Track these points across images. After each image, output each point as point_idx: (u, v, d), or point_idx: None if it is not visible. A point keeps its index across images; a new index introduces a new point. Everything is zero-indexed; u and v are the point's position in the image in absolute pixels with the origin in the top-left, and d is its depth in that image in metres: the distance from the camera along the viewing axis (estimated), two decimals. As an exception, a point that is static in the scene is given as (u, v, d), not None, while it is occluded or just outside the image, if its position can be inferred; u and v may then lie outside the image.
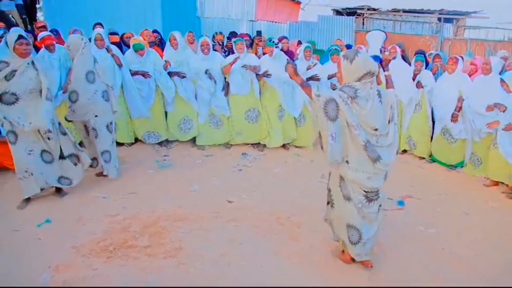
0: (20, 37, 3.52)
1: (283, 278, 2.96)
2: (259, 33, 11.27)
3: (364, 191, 2.78)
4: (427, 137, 5.73)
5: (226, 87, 5.74)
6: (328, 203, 3.11)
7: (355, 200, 2.79)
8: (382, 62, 5.26)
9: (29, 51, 3.57)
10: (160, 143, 5.87)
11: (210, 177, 4.85)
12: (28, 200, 3.94)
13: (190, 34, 6.27)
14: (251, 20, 14.87)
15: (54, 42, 5.14)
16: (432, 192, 4.74)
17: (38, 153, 3.83)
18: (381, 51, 6.28)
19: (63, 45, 5.32)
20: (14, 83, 3.53)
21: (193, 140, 5.97)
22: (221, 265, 3.08)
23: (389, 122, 2.73)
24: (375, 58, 4.56)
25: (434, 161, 5.74)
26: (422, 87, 5.58)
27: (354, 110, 2.60)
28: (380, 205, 2.89)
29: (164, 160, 5.41)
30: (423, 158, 5.85)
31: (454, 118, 5.21)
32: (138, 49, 5.41)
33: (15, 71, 3.52)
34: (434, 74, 5.64)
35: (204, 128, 5.84)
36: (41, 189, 3.94)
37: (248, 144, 6.02)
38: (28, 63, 3.59)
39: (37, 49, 5.33)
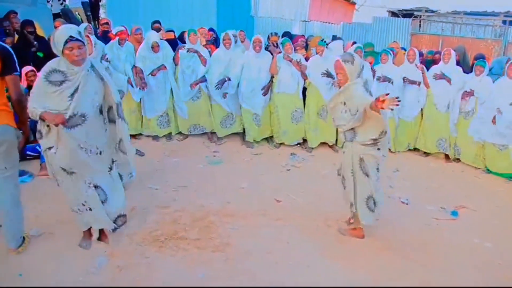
0: (71, 39, 2.60)
1: (330, 280, 2.95)
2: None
3: (377, 166, 3.30)
4: (477, 145, 5.50)
5: (267, 87, 5.75)
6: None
7: (373, 175, 3.28)
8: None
9: (82, 57, 2.66)
10: (209, 138, 6.01)
11: (258, 175, 4.90)
12: (89, 234, 3.22)
13: (241, 33, 6.37)
14: (304, 21, 14.81)
15: (126, 37, 5.49)
16: (489, 204, 4.52)
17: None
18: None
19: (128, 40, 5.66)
20: (79, 99, 2.71)
21: (242, 137, 6.05)
22: (268, 263, 3.11)
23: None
24: None
25: (490, 172, 5.46)
26: (472, 95, 5.39)
27: None
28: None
29: (214, 156, 5.52)
30: (479, 168, 5.59)
31: None
32: (191, 32, 5.62)
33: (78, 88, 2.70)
34: None
35: (249, 126, 5.91)
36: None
37: (297, 144, 6.02)
38: (88, 70, 2.75)
39: (106, 40, 5.68)
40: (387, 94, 2.74)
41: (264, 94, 5.73)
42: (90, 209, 3.01)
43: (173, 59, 5.74)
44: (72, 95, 2.71)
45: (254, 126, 5.89)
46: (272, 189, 4.49)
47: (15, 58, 2.85)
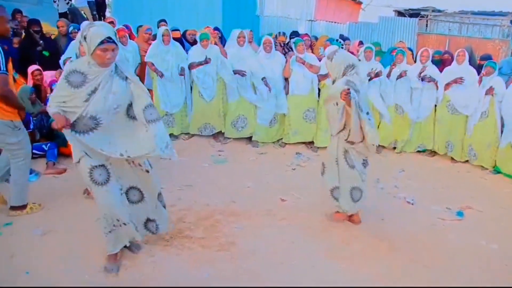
0: (108, 40, 2.44)
1: (334, 280, 2.94)
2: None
3: (363, 159, 3.43)
4: (492, 147, 5.42)
5: (287, 86, 5.77)
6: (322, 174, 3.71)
7: (358, 167, 3.41)
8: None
9: (113, 60, 2.54)
10: (215, 138, 6.01)
11: (264, 174, 4.90)
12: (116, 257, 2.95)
13: (250, 33, 6.37)
14: (310, 20, 14.77)
15: (127, 34, 5.45)
16: (495, 205, 4.49)
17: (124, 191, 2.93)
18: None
19: (134, 39, 5.64)
20: (93, 102, 2.54)
21: (248, 137, 6.05)
22: (273, 263, 3.11)
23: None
24: None
25: (498, 173, 5.42)
26: (493, 94, 5.29)
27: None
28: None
29: (219, 155, 5.52)
30: (486, 168, 5.55)
31: None
32: (203, 38, 5.63)
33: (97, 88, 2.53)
34: None
35: (259, 127, 5.89)
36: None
37: (302, 143, 6.01)
38: (112, 71, 2.58)
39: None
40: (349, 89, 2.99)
41: (287, 92, 5.77)
42: (124, 224, 2.83)
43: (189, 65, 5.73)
44: (89, 96, 2.54)
45: (267, 127, 5.88)
46: (277, 188, 4.49)
47: (3, 59, 3.08)
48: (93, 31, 2.44)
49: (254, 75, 5.65)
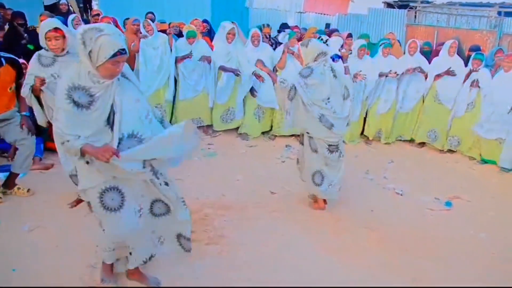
0: (121, 52, 2.05)
1: (325, 272, 2.95)
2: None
3: (328, 145, 3.56)
4: (478, 138, 5.47)
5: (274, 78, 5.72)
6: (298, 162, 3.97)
7: (320, 151, 3.59)
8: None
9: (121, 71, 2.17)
10: (204, 131, 5.97)
11: (253, 167, 4.89)
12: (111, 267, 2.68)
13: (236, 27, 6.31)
14: (299, 12, 14.72)
15: (111, 21, 5.42)
16: (483, 195, 4.54)
17: (148, 207, 2.52)
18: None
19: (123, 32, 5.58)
20: (120, 119, 2.15)
21: (238, 130, 6.03)
22: (263, 255, 3.11)
23: (344, 99, 3.56)
24: (336, 56, 5.30)
25: (485, 163, 5.47)
26: (479, 86, 5.33)
27: (308, 93, 3.42)
28: (340, 155, 3.67)
29: (209, 148, 5.49)
30: (474, 159, 5.60)
31: None
32: (190, 36, 5.55)
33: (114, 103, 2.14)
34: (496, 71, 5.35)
35: (248, 120, 5.87)
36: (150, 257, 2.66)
37: (291, 136, 6.00)
38: (118, 79, 2.19)
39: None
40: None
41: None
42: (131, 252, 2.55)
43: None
44: (109, 117, 2.13)
45: (255, 120, 5.86)
46: (267, 181, 4.49)
47: None
48: (106, 40, 2.00)
49: (244, 72, 5.60)
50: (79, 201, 3.60)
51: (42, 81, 3.15)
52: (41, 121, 3.46)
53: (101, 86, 2.10)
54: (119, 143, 2.14)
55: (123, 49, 2.07)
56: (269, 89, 5.66)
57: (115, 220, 2.31)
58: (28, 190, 3.81)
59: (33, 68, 3.25)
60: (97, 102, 2.09)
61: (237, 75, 5.57)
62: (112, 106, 2.13)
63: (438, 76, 5.64)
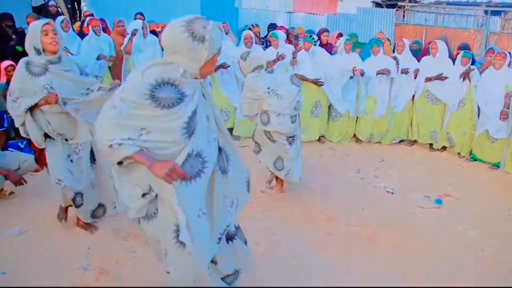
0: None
1: (317, 271, 2.96)
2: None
3: (286, 137, 3.81)
4: (469, 135, 5.53)
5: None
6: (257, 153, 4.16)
7: (279, 141, 3.84)
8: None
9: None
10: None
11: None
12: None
13: (224, 25, 6.31)
14: (288, 12, 14.75)
15: (100, 24, 5.39)
16: (472, 192, 4.59)
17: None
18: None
19: (110, 34, 5.54)
20: (198, 131, 1.83)
21: (228, 130, 6.01)
22: (255, 255, 3.08)
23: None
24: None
25: (475, 160, 5.54)
26: (469, 78, 5.37)
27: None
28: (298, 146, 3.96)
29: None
30: (463, 156, 5.67)
31: (503, 116, 4.95)
32: None
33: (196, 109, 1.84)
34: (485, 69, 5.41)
35: (241, 122, 5.87)
36: None
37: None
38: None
39: (83, 35, 5.57)
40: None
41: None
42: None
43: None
44: (189, 123, 1.73)
45: (246, 121, 5.85)
46: (258, 180, 4.48)
47: None
48: (216, 30, 1.72)
49: (236, 64, 5.60)
50: (65, 209, 3.31)
51: (57, 97, 2.72)
52: (37, 137, 2.90)
53: (192, 84, 1.75)
54: (187, 160, 1.74)
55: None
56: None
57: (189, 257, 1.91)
58: (10, 193, 3.78)
59: (21, 79, 2.76)
60: (182, 104, 1.71)
61: (226, 67, 5.58)
62: (195, 109, 1.77)
63: (429, 79, 5.70)
